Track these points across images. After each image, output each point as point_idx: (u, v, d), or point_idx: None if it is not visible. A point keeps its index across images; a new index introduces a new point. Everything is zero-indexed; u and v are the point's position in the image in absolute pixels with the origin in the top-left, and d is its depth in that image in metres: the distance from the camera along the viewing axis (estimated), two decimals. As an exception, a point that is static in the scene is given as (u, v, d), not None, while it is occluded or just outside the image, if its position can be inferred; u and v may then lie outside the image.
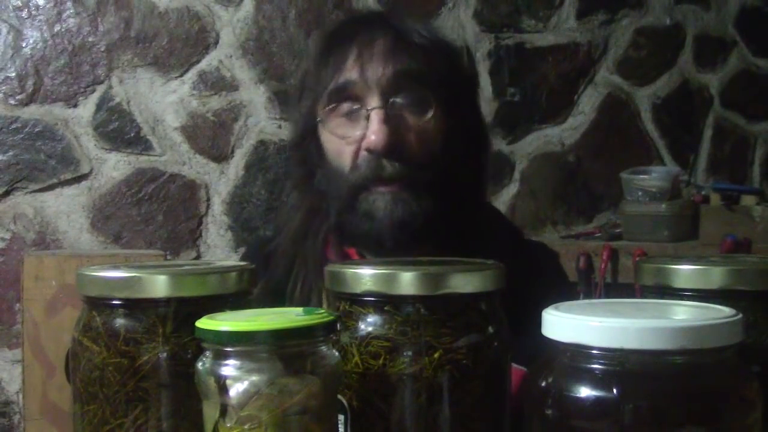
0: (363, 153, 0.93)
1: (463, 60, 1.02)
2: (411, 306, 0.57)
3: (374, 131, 0.91)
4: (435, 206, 0.94)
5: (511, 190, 2.42)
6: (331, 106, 0.96)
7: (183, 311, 0.58)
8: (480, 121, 1.05)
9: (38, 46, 2.14)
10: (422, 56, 0.95)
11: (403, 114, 0.94)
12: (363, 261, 0.67)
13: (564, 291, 1.11)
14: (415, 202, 0.93)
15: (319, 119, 0.98)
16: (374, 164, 0.92)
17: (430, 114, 0.94)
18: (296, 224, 1.04)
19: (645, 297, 0.63)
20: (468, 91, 1.04)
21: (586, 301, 0.58)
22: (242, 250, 2.22)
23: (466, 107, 1.01)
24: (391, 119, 0.92)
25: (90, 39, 2.16)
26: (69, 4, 2.15)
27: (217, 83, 2.22)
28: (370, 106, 0.93)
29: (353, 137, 0.94)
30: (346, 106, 0.95)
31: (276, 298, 0.99)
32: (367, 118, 0.93)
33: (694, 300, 0.57)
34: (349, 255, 1.00)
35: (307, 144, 1.01)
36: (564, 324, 0.49)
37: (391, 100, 0.93)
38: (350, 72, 0.94)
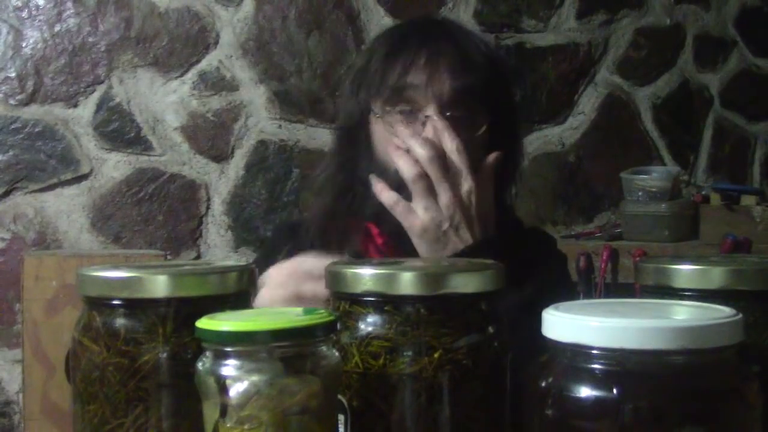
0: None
1: (515, 79, 1.08)
2: (411, 306, 0.57)
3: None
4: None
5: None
6: (389, 103, 1.01)
7: (183, 311, 0.58)
8: (518, 135, 1.12)
9: (38, 46, 2.14)
10: (482, 74, 1.00)
11: (457, 127, 0.97)
12: (363, 261, 0.67)
13: (565, 274, 1.17)
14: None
15: (377, 114, 1.02)
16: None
17: (482, 130, 1.00)
18: (327, 203, 1.07)
19: (645, 297, 0.63)
20: (514, 109, 1.11)
21: (586, 301, 0.58)
22: (243, 249, 2.23)
23: (511, 124, 1.07)
24: (442, 129, 0.96)
25: (90, 39, 2.16)
26: (69, 4, 2.15)
27: (217, 83, 2.22)
28: (428, 113, 0.98)
29: (402, 138, 0.98)
30: (403, 107, 1.00)
31: None
32: (423, 124, 0.98)
33: (694, 300, 0.57)
34: (373, 236, 1.02)
35: (356, 131, 1.05)
36: (564, 324, 0.49)
37: (448, 113, 0.97)
38: (415, 77, 0.99)
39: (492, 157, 0.98)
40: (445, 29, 1.07)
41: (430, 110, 0.97)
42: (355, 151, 1.06)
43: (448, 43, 1.02)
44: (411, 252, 0.95)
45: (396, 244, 0.99)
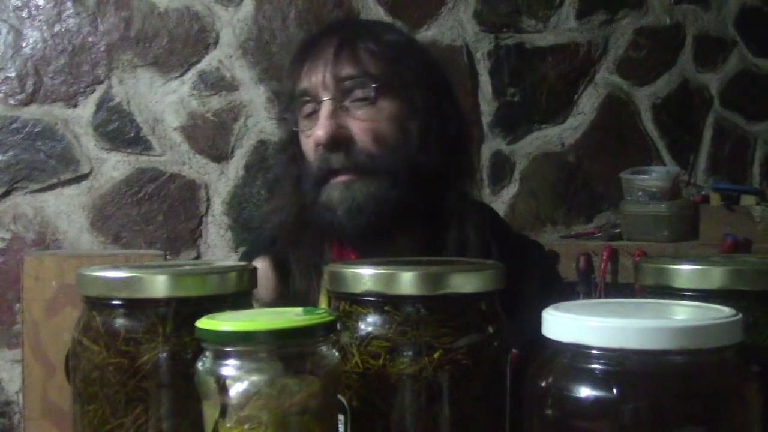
0: (317, 148, 1.01)
1: (429, 62, 1.11)
2: (411, 306, 0.57)
3: (319, 126, 1.00)
4: (393, 193, 0.99)
5: (511, 190, 2.42)
6: (299, 111, 1.06)
7: (183, 311, 0.58)
8: (450, 117, 1.08)
9: (38, 46, 2.14)
10: (366, 57, 1.03)
11: (349, 107, 1.01)
12: (363, 261, 0.67)
13: (554, 287, 1.13)
14: (368, 188, 0.99)
15: (294, 127, 1.08)
16: (323, 156, 1.00)
17: (375, 106, 1.01)
18: (290, 222, 1.09)
19: (645, 297, 0.63)
20: (426, 84, 1.08)
21: (586, 301, 0.58)
22: (242, 249, 2.23)
23: (430, 105, 1.05)
24: (335, 114, 1.00)
25: (90, 39, 2.16)
26: (69, 4, 2.15)
27: (217, 83, 2.22)
28: (323, 99, 1.02)
29: (312, 134, 1.02)
30: (308, 108, 1.04)
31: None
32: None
33: (694, 300, 0.57)
34: (340, 252, 1.06)
35: (292, 148, 1.10)
36: (564, 324, 0.49)
37: (335, 97, 1.01)
38: (303, 80, 1.04)
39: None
40: (339, 30, 1.10)
41: (323, 97, 1.01)
42: (295, 168, 1.09)
43: (326, 40, 1.05)
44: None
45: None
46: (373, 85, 1.01)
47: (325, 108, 1.01)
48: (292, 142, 1.10)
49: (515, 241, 1.16)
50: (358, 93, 1.01)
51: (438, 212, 1.04)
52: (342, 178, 1.00)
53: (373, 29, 1.10)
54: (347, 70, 1.01)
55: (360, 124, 1.01)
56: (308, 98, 1.03)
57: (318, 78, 1.02)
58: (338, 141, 0.99)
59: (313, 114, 1.03)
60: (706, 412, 0.47)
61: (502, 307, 0.62)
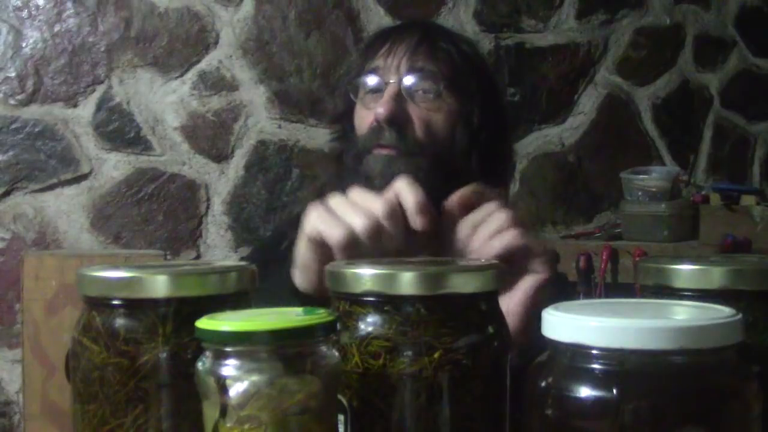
0: (373, 123, 1.06)
1: (490, 76, 1.21)
2: (411, 306, 0.57)
3: (382, 103, 1.05)
4: (429, 182, 0.98)
5: (511, 190, 2.42)
6: (362, 84, 1.12)
7: (183, 311, 0.58)
8: (498, 130, 1.15)
9: (38, 46, 2.14)
10: (441, 56, 1.10)
11: (414, 95, 1.07)
12: (363, 261, 0.67)
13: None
14: (408, 168, 1.00)
15: (355, 98, 1.14)
16: (377, 129, 1.05)
17: (437, 101, 1.08)
18: (316, 191, 1.15)
19: (645, 297, 0.63)
20: (485, 95, 1.15)
21: (586, 301, 0.58)
22: (243, 249, 2.23)
23: (482, 108, 1.12)
24: (399, 96, 1.06)
25: (90, 39, 2.16)
26: (69, 4, 2.15)
27: (217, 83, 2.22)
28: (391, 80, 1.08)
29: (373, 110, 1.07)
30: (373, 84, 1.10)
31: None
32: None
33: (694, 300, 0.57)
34: None
35: (344, 122, 1.17)
36: (564, 324, 0.49)
37: (404, 79, 1.07)
38: (379, 59, 1.11)
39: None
40: (422, 26, 1.18)
41: (392, 79, 1.07)
42: (346, 141, 1.17)
43: (410, 31, 1.13)
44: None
45: None
46: (441, 83, 1.08)
47: (392, 89, 1.07)
48: (345, 114, 1.17)
49: None
50: (425, 85, 1.08)
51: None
52: (386, 151, 1.05)
53: (452, 34, 1.19)
54: (422, 62, 1.08)
55: (419, 112, 1.07)
56: (378, 76, 1.10)
57: (395, 61, 1.09)
58: (396, 121, 1.05)
59: (378, 92, 1.09)
60: (706, 412, 0.47)
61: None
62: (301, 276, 0.88)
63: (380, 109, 1.05)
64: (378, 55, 1.11)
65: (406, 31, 1.14)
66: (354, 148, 1.09)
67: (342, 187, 1.04)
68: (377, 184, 1.00)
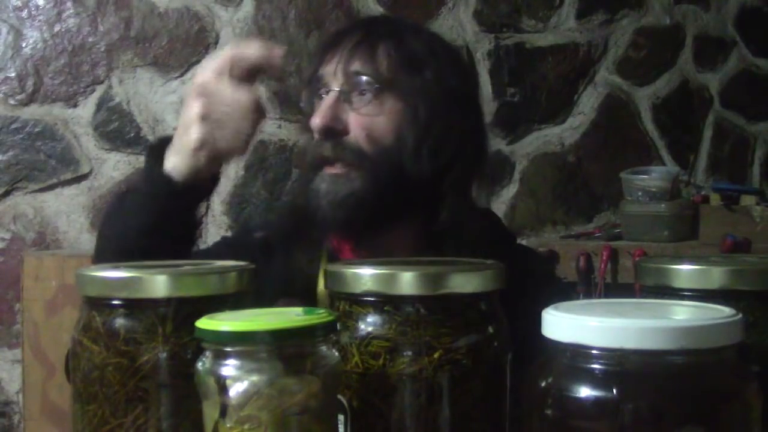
0: (314, 134, 1.04)
1: (452, 73, 1.09)
2: (411, 306, 0.57)
3: (317, 113, 1.02)
4: (375, 193, 1.00)
5: (511, 190, 2.42)
6: (314, 95, 1.07)
7: (183, 311, 0.58)
8: (462, 128, 1.07)
9: (38, 46, 2.14)
10: (380, 55, 1.04)
11: (352, 100, 1.02)
12: (363, 261, 0.67)
13: (554, 293, 1.12)
14: (352, 185, 1.00)
15: (308, 110, 1.09)
16: (317, 143, 1.03)
17: (376, 103, 1.02)
18: (296, 205, 1.12)
19: (645, 297, 0.63)
20: (438, 88, 1.07)
21: (586, 301, 0.58)
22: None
23: (437, 115, 1.05)
24: (337, 105, 1.02)
25: (90, 39, 2.16)
26: (69, 4, 2.15)
27: (217, 83, 2.22)
28: (332, 88, 1.04)
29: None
30: (321, 93, 1.06)
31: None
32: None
33: (694, 300, 0.57)
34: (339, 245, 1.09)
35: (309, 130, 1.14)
36: (564, 324, 0.49)
37: (342, 89, 1.03)
38: (321, 67, 1.06)
39: None
40: (365, 26, 1.12)
41: (334, 86, 1.04)
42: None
43: (355, 33, 1.07)
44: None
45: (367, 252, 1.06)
46: (377, 85, 1.02)
47: (330, 97, 1.03)
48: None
49: (512, 252, 1.15)
50: (362, 89, 1.03)
51: (434, 217, 1.04)
52: (332, 170, 1.02)
53: (403, 33, 1.10)
54: (357, 66, 1.03)
55: (357, 119, 1.02)
56: (320, 85, 1.07)
57: (331, 67, 1.05)
58: (332, 131, 1.01)
59: (322, 101, 1.07)
60: (706, 412, 0.47)
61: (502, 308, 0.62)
62: (176, 158, 0.95)
63: (316, 119, 1.02)
64: (323, 62, 1.07)
65: (347, 34, 1.08)
66: (306, 163, 1.07)
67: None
68: (323, 204, 1.00)
